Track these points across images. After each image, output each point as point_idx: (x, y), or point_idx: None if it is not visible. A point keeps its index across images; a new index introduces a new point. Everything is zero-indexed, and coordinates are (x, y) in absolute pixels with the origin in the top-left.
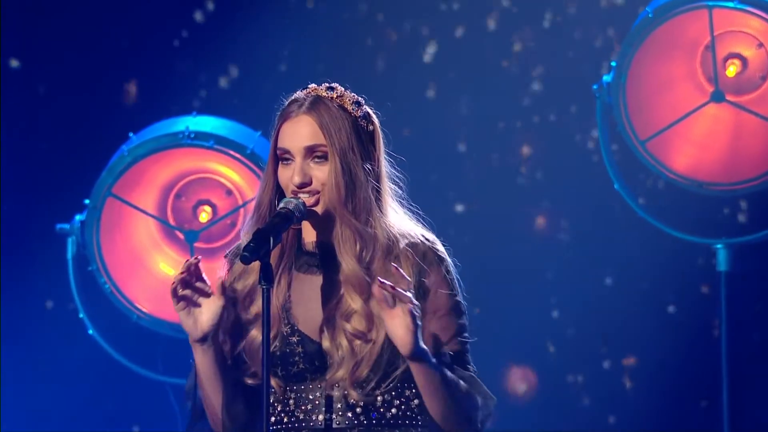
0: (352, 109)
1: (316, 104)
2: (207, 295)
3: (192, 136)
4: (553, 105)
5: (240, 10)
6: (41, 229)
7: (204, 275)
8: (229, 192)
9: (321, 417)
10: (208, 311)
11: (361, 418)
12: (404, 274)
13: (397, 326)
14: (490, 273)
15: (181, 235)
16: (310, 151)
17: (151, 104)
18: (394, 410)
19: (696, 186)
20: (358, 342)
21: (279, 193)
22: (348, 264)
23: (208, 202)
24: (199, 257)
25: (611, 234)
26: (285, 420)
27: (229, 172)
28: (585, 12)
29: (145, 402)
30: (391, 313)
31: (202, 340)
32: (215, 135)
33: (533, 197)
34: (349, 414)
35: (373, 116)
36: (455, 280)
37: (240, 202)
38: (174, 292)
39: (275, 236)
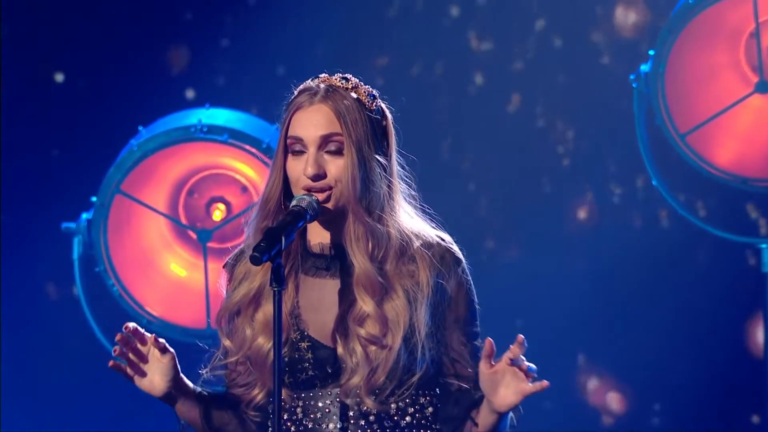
0: (367, 102)
1: (331, 93)
2: (146, 359)
3: (205, 129)
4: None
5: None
6: (46, 228)
7: (143, 337)
8: (244, 189)
9: (332, 426)
10: (158, 371)
11: (375, 426)
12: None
13: (511, 392)
14: (523, 271)
15: (193, 235)
16: (325, 142)
17: (161, 96)
18: (408, 418)
19: (739, 182)
20: (373, 348)
21: (287, 188)
22: (360, 263)
23: (222, 200)
24: (129, 325)
25: (650, 232)
26: (293, 429)
27: (244, 167)
28: None
29: (145, 402)
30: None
31: (167, 397)
32: (229, 128)
33: (571, 191)
34: (362, 422)
35: (387, 111)
36: (471, 282)
37: (255, 200)
38: (116, 368)
39: (287, 236)
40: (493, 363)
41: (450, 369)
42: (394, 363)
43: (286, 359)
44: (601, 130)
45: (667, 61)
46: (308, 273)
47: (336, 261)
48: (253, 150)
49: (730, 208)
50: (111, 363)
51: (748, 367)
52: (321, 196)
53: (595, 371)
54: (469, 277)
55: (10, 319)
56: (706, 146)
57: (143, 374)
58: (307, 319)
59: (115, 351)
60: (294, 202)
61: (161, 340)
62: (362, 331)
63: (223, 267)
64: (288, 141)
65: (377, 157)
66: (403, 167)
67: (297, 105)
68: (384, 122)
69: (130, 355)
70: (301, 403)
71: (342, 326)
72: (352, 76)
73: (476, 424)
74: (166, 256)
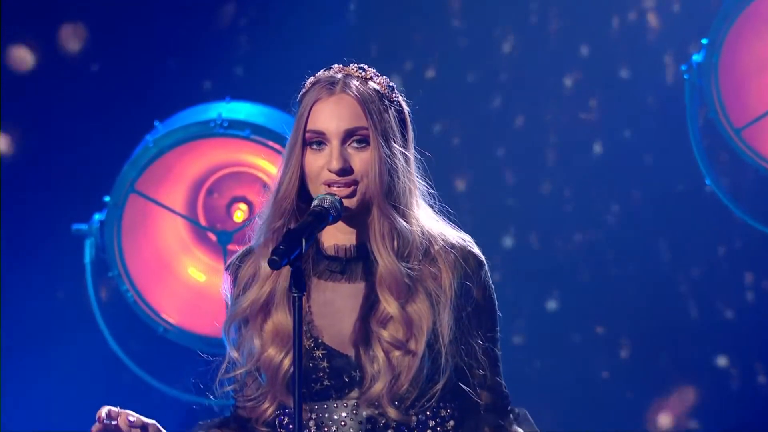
0: (387, 92)
1: (352, 83)
2: None
3: (225, 124)
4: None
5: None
6: (55, 230)
7: (120, 418)
8: (267, 187)
9: None
10: None
11: None
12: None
13: None
14: (564, 265)
15: (213, 237)
16: (350, 135)
17: (179, 89)
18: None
19: None
20: (396, 353)
21: (302, 185)
22: (386, 261)
23: (244, 200)
24: (102, 413)
25: (697, 228)
26: None
27: (267, 165)
28: None
29: (145, 402)
30: None
31: None
32: (251, 123)
33: (615, 187)
34: None
35: (404, 104)
36: (493, 286)
37: None
38: None
39: (308, 238)
40: None
41: (472, 378)
42: (418, 370)
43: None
44: (651, 125)
45: (721, 51)
46: (321, 276)
47: (352, 263)
48: (277, 146)
49: None
50: None
51: None
52: (345, 192)
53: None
54: (491, 281)
55: (11, 319)
56: (763, 141)
57: None
58: (320, 325)
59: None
60: (315, 202)
61: (133, 417)
62: (385, 334)
63: (226, 269)
64: (307, 134)
65: (400, 148)
66: (420, 164)
67: (315, 96)
68: (403, 114)
69: None
70: (314, 416)
71: (362, 331)
72: (368, 66)
73: None
74: (183, 259)
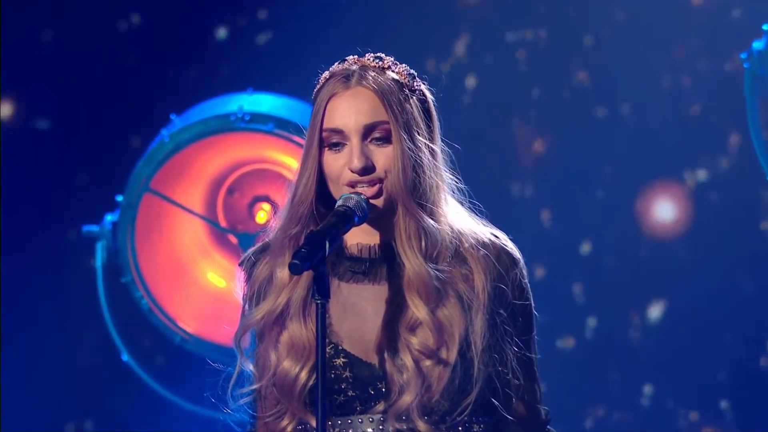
0: (407, 81)
1: (368, 74)
2: None
3: (247, 118)
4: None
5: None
6: (64, 232)
7: None
8: (291, 185)
9: None
10: None
11: None
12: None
13: None
14: (626, 267)
15: (234, 239)
16: (370, 131)
17: (196, 80)
18: None
19: None
20: (427, 362)
21: (321, 187)
22: (413, 263)
23: (267, 199)
24: None
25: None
26: None
27: (292, 161)
28: None
29: (145, 402)
30: None
31: None
32: (275, 117)
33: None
34: None
35: (428, 93)
36: (529, 286)
37: None
38: None
39: (332, 240)
40: None
41: (507, 389)
42: (450, 381)
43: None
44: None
45: None
46: (342, 278)
47: (376, 264)
48: (303, 141)
49: None
50: None
51: None
52: (370, 191)
53: None
54: (527, 280)
55: (11, 319)
56: None
57: None
58: (340, 330)
59: None
60: (340, 202)
61: None
62: (415, 341)
63: (240, 264)
64: (324, 133)
65: (425, 141)
66: (447, 157)
67: (330, 92)
68: (426, 104)
69: None
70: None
71: (389, 337)
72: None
73: None
74: (202, 264)
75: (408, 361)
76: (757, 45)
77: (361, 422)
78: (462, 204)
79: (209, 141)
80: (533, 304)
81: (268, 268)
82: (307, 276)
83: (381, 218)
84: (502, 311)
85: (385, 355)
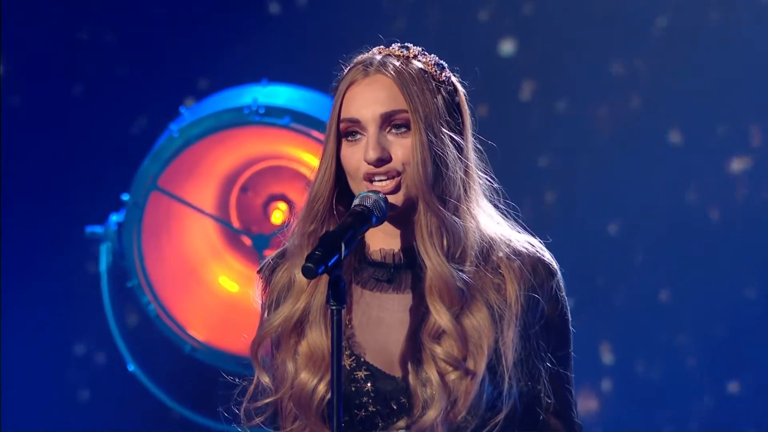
0: (434, 72)
1: (390, 61)
2: None
3: (261, 111)
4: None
5: None
6: (67, 233)
7: None
8: (310, 183)
9: None
10: None
11: None
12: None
13: None
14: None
15: (247, 241)
16: (387, 120)
17: (206, 71)
18: None
19: None
20: (452, 375)
21: (340, 182)
22: (434, 262)
23: (283, 198)
24: None
25: None
26: None
27: (310, 158)
28: None
29: (145, 402)
30: None
31: None
32: (292, 110)
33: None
34: None
35: (459, 86)
36: (566, 298)
37: None
38: None
39: (349, 242)
40: None
41: (539, 408)
42: (477, 396)
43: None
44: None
45: None
46: (365, 286)
47: (401, 271)
48: (321, 136)
49: None
50: None
51: None
52: (388, 186)
53: None
54: (564, 293)
55: (11, 319)
56: None
57: None
58: (363, 341)
59: None
60: (356, 201)
61: None
62: (439, 350)
63: (258, 272)
64: (341, 125)
65: (451, 134)
66: (480, 156)
67: (349, 80)
68: (456, 97)
69: None
70: None
71: (412, 349)
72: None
73: None
74: (213, 267)
75: (432, 374)
76: None
77: None
78: (497, 207)
79: (221, 136)
80: (570, 319)
81: (288, 274)
82: (327, 280)
83: (403, 220)
84: (536, 324)
85: (409, 368)
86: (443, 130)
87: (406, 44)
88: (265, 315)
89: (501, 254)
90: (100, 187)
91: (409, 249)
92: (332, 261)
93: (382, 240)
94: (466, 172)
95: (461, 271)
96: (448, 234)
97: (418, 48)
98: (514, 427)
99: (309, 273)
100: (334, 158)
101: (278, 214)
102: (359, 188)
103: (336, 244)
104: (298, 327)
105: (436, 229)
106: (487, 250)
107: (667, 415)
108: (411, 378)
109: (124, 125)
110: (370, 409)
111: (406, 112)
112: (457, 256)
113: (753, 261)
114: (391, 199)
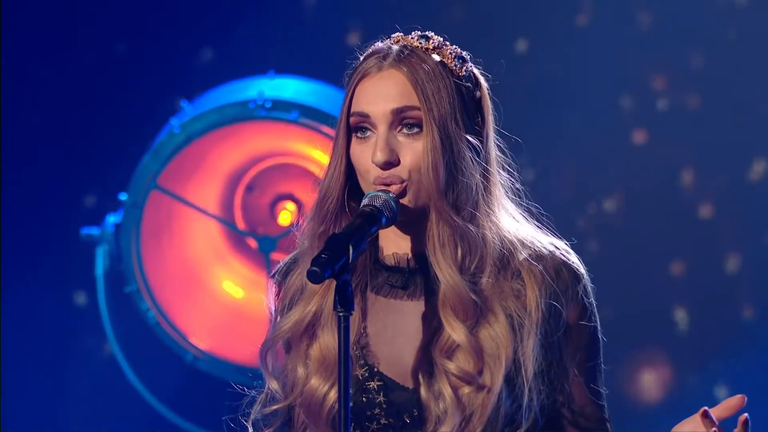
0: (454, 66)
1: (406, 56)
2: None
3: (268, 105)
4: None
5: None
6: (60, 235)
7: None
8: (319, 182)
9: None
10: None
11: None
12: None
13: None
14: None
15: (253, 243)
16: (399, 118)
17: (211, 62)
18: None
19: None
20: (466, 390)
21: (352, 180)
22: (447, 276)
23: (291, 198)
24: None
25: None
26: None
27: (320, 155)
28: None
29: (145, 402)
30: None
31: None
32: (300, 104)
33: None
34: None
35: (481, 79)
36: (594, 304)
37: None
38: None
39: (357, 245)
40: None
41: (566, 423)
42: (494, 410)
43: (351, 404)
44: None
45: None
46: (380, 292)
47: (417, 275)
48: (332, 132)
49: None
50: None
51: None
52: (394, 190)
53: None
54: (593, 299)
55: (11, 319)
56: None
57: None
58: (377, 351)
59: None
60: (365, 201)
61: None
62: (452, 366)
63: (271, 277)
64: (351, 119)
65: (468, 137)
66: (504, 152)
67: (362, 72)
68: (477, 93)
69: None
70: None
71: (425, 361)
72: (435, 34)
73: None
74: (217, 271)
75: (446, 388)
76: None
77: None
78: (520, 207)
79: (225, 132)
80: (599, 327)
81: (301, 278)
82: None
83: (417, 223)
84: (559, 333)
85: (421, 380)
86: (459, 131)
87: (426, 33)
88: (277, 321)
89: (522, 258)
90: (96, 185)
91: (423, 254)
92: (339, 264)
93: (396, 243)
94: (485, 176)
95: (477, 282)
96: (463, 244)
97: (438, 38)
98: None
99: (315, 277)
100: (344, 154)
101: (286, 215)
102: (369, 189)
103: (343, 247)
104: (310, 330)
105: (449, 240)
106: (509, 254)
107: None
108: (423, 391)
109: (122, 119)
110: (381, 421)
111: (419, 109)
112: (473, 267)
113: None
114: (402, 200)
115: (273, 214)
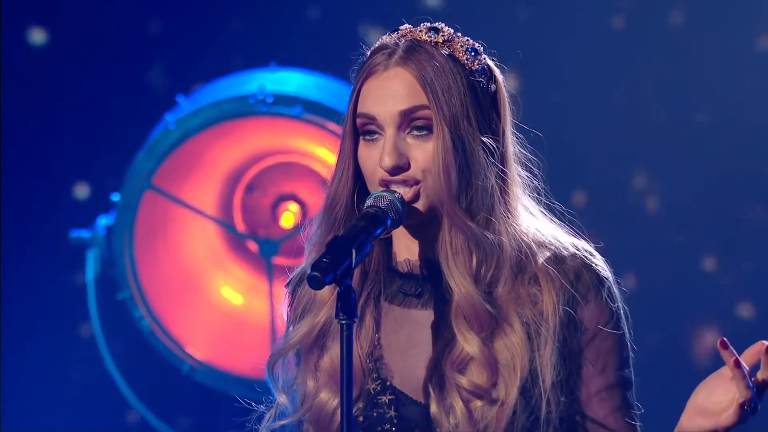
0: (466, 60)
1: (414, 52)
2: None
3: (269, 100)
4: None
5: None
6: (49, 238)
7: None
8: (325, 183)
9: None
10: None
11: None
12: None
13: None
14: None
15: (254, 247)
16: (407, 120)
17: (208, 54)
18: None
19: None
20: (479, 404)
21: (360, 179)
22: (460, 286)
23: (294, 198)
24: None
25: None
26: None
27: (325, 153)
28: None
29: (145, 402)
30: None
31: None
32: (304, 98)
33: None
34: None
35: (496, 71)
36: (621, 309)
37: None
38: None
39: (360, 248)
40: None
41: None
42: (509, 424)
43: (361, 417)
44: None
45: None
46: (394, 300)
47: (430, 283)
48: (337, 129)
49: None
50: None
51: None
52: (406, 194)
53: None
54: (619, 303)
55: (11, 319)
56: None
57: None
58: (391, 364)
59: None
60: (369, 202)
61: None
62: (463, 381)
63: (286, 285)
64: (357, 120)
65: (482, 138)
66: (524, 148)
67: (369, 70)
68: (492, 87)
69: None
70: None
71: (436, 374)
72: (445, 25)
73: None
74: (215, 276)
75: (457, 402)
76: None
77: None
78: (540, 206)
79: (224, 128)
80: (626, 333)
81: (311, 290)
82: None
83: (431, 227)
84: (580, 340)
85: (433, 394)
86: (473, 131)
87: (435, 25)
88: (289, 331)
89: (540, 261)
90: (87, 185)
91: (437, 260)
92: (341, 269)
93: (409, 249)
94: (501, 177)
95: (492, 293)
96: (478, 252)
97: (449, 30)
98: None
99: (315, 283)
100: (351, 157)
101: (288, 217)
102: (375, 191)
103: (346, 250)
104: (320, 341)
105: (463, 247)
106: (526, 258)
107: None
108: (434, 406)
109: (114, 116)
110: None
111: (428, 108)
112: (489, 276)
113: None
114: (412, 205)
115: (275, 216)
